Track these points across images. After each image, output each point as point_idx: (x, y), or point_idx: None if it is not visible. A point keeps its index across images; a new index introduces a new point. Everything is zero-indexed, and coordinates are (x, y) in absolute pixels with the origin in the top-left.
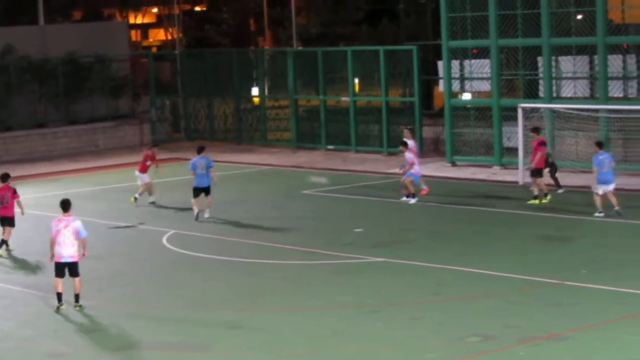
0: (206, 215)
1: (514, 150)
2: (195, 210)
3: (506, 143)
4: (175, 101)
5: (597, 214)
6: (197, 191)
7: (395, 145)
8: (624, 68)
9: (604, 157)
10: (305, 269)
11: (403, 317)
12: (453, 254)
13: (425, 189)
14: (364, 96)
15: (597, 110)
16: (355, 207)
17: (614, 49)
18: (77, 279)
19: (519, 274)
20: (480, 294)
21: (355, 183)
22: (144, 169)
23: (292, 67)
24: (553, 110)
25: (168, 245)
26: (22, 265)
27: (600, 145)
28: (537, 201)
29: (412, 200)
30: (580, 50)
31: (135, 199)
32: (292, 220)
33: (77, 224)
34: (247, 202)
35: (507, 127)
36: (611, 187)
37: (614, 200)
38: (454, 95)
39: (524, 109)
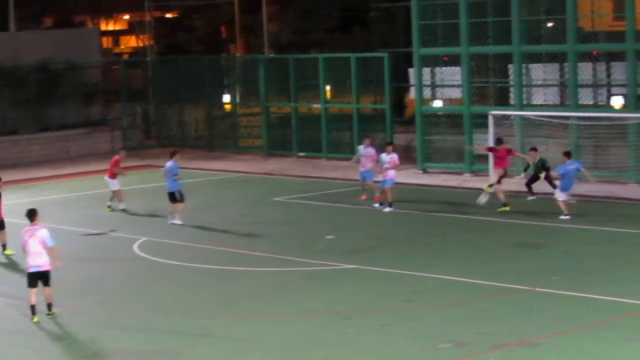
0: (177, 221)
1: (485, 157)
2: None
3: (477, 150)
4: (146, 108)
5: (562, 217)
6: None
7: None
8: (594, 76)
9: (573, 167)
10: (277, 276)
11: (375, 324)
12: (425, 260)
13: (364, 196)
14: (336, 103)
15: (567, 118)
16: (327, 214)
17: (584, 56)
18: (47, 288)
19: (491, 281)
20: (452, 301)
21: (326, 190)
22: (112, 175)
23: (264, 74)
24: (523, 118)
25: (139, 253)
26: None
27: (568, 155)
28: (507, 208)
29: (387, 209)
30: (550, 57)
31: (109, 207)
32: (263, 227)
33: (43, 232)
34: (218, 209)
35: (478, 134)
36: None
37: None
38: (425, 102)
39: (494, 116)
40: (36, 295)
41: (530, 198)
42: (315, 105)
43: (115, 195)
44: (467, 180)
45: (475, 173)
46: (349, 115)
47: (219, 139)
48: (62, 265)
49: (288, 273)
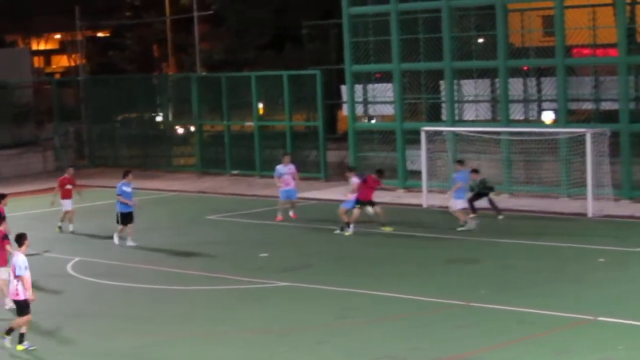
0: (130, 242)
1: (418, 173)
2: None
3: (410, 166)
4: (79, 128)
5: (465, 228)
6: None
7: (299, 169)
8: (525, 91)
9: (461, 176)
10: (211, 294)
11: (309, 342)
12: (359, 277)
13: (293, 214)
14: (269, 121)
15: (498, 133)
16: (261, 232)
17: (515, 72)
18: (19, 318)
19: (425, 296)
20: (387, 317)
21: (260, 208)
22: (65, 195)
23: (197, 92)
24: (455, 134)
25: (73, 273)
26: None
27: (461, 163)
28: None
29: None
30: (481, 73)
31: (60, 227)
32: (198, 245)
33: (15, 259)
34: (152, 228)
35: (411, 151)
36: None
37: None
38: (357, 119)
39: (426, 132)
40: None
41: (500, 217)
42: (248, 123)
43: (67, 216)
44: (401, 197)
45: (408, 189)
46: (282, 132)
47: (152, 158)
48: (34, 298)
49: (223, 291)
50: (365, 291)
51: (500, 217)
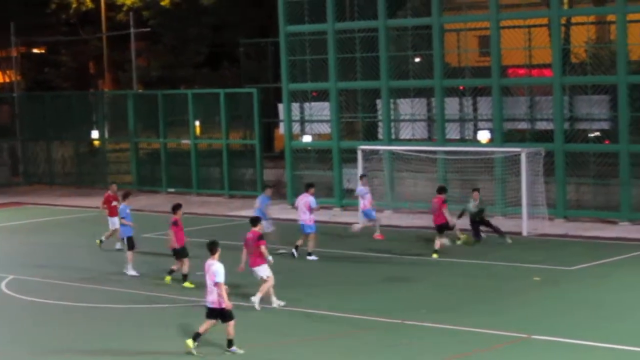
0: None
1: (354, 192)
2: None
3: (346, 185)
4: (14, 144)
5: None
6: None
7: (236, 187)
8: (461, 110)
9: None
10: (148, 312)
11: None
12: (295, 295)
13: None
14: (205, 139)
15: (435, 152)
16: (198, 250)
17: (451, 91)
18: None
19: (362, 315)
20: (321, 336)
21: (197, 226)
22: (112, 213)
23: (133, 110)
24: (392, 152)
25: (7, 291)
26: None
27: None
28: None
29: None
30: (418, 92)
31: (100, 241)
32: (134, 264)
33: (214, 268)
34: (87, 246)
35: (347, 169)
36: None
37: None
38: (294, 137)
39: (363, 151)
40: None
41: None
42: (185, 141)
43: (115, 233)
44: (337, 215)
45: (344, 208)
46: (219, 150)
47: (87, 175)
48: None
49: (160, 310)
50: (301, 309)
51: (509, 241)
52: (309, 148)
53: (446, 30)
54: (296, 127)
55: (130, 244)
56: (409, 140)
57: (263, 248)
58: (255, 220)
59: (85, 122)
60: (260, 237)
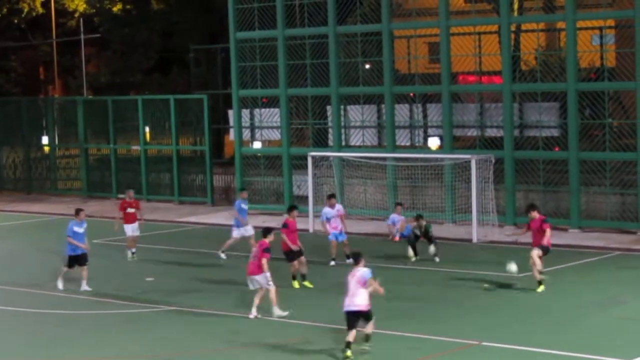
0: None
1: (304, 198)
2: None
3: (296, 191)
4: None
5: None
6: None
7: (186, 193)
8: (411, 117)
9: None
10: (97, 318)
11: None
12: (243, 301)
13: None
14: (155, 145)
15: (384, 159)
16: (147, 255)
17: (401, 98)
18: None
19: (311, 321)
20: (270, 342)
21: (146, 232)
22: (127, 220)
23: (83, 115)
24: (342, 159)
25: None
26: None
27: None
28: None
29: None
30: (368, 99)
31: (133, 254)
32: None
33: (361, 272)
34: (36, 252)
35: (297, 176)
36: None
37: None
38: (244, 143)
39: (313, 157)
40: None
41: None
42: (135, 147)
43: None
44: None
45: None
46: (169, 156)
47: (37, 181)
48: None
49: (109, 315)
50: (250, 315)
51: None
52: (259, 154)
53: (396, 37)
54: (246, 134)
55: (74, 262)
56: (359, 146)
57: (264, 261)
58: (266, 232)
59: (35, 127)
60: (266, 250)
